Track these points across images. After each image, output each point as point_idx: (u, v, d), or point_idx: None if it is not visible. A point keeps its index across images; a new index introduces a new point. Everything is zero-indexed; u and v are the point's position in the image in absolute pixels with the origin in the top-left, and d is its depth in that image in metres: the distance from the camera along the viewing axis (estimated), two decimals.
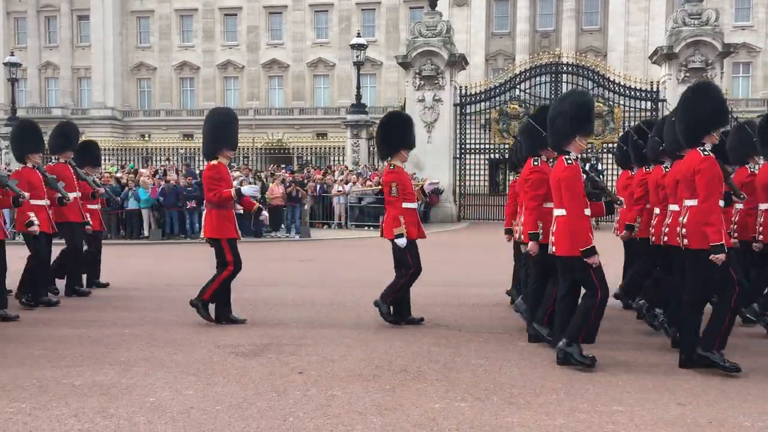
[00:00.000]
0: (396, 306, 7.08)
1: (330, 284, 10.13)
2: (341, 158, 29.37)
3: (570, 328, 5.47)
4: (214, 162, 7.04)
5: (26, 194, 7.46)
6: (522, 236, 6.68)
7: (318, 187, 21.11)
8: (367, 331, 6.77)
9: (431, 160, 22.41)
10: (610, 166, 22.46)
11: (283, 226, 18.98)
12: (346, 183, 21.05)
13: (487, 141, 23.87)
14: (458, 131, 23.25)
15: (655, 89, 22.33)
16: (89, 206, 9.23)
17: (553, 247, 5.64)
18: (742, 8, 45.28)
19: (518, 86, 23.25)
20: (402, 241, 6.84)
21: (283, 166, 25.57)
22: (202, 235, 7.30)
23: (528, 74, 23.22)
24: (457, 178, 23.42)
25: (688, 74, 20.94)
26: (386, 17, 50.64)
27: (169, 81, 54.30)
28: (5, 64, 29.52)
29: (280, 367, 5.49)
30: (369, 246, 15.48)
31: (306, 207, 18.84)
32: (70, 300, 8.81)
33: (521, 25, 46.91)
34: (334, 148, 31.99)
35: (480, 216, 23.48)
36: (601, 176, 20.50)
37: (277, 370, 5.41)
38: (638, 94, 22.50)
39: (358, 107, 25.91)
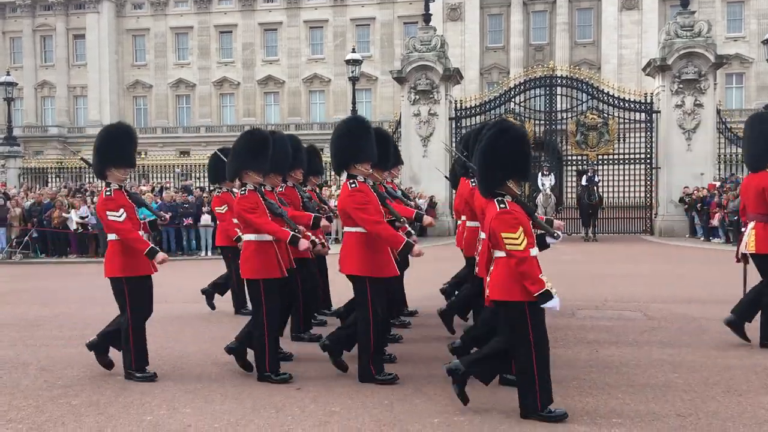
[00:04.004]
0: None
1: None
2: None
3: None
4: None
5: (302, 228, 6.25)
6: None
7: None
8: None
9: (427, 174, 22.46)
10: (605, 178, 22.54)
11: None
12: None
13: None
14: (454, 145, 23.30)
15: (649, 101, 22.42)
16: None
17: None
18: (734, 20, 45.67)
19: (513, 99, 23.33)
20: None
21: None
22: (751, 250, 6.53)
23: (522, 87, 23.32)
24: (453, 191, 23.45)
25: (681, 86, 21.05)
26: (381, 33, 50.93)
27: (165, 98, 54.45)
28: (1, 83, 29.52)
29: (278, 383, 5.47)
30: None
31: None
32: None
33: (515, 38, 47.22)
34: (330, 163, 31.85)
35: None
36: (596, 187, 20.62)
37: (275, 387, 5.38)
38: (632, 105, 22.58)
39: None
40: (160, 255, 5.58)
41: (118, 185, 5.65)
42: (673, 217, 21.41)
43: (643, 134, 22.61)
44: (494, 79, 45.15)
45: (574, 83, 23.07)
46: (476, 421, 4.54)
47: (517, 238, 4.33)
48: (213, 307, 8.89)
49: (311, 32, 52.41)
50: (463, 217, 6.82)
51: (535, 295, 4.32)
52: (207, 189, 23.35)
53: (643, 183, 22.60)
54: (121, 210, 5.51)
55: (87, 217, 18.71)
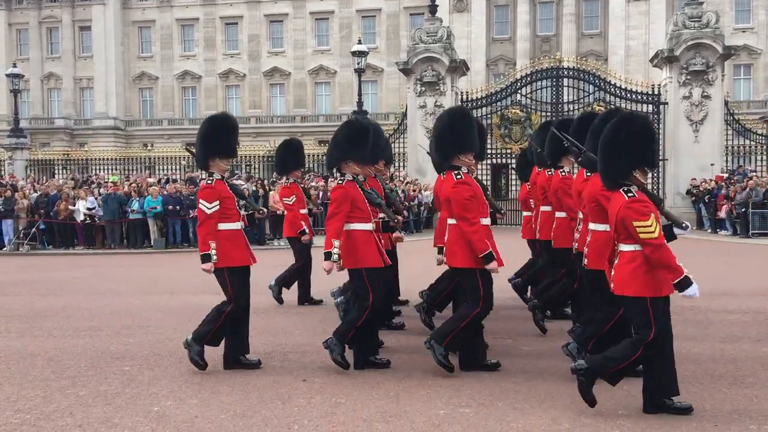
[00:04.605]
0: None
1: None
2: None
3: None
4: None
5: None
6: None
7: (321, 194, 21.14)
8: None
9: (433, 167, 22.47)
10: None
11: None
12: None
13: (489, 146, 23.86)
14: None
15: (656, 92, 22.33)
16: None
17: None
18: (742, 10, 45.29)
19: (519, 91, 23.27)
20: None
21: None
22: None
23: (529, 79, 23.25)
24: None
25: (689, 77, 20.95)
26: (387, 24, 50.75)
27: (170, 90, 54.45)
28: (8, 75, 29.60)
29: (285, 375, 5.49)
30: None
31: None
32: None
33: (522, 30, 46.98)
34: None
35: None
36: None
37: (281, 378, 5.40)
38: (640, 97, 22.49)
39: (360, 114, 25.94)
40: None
41: (221, 176, 5.65)
42: (680, 209, 21.34)
43: None
44: (501, 70, 44.95)
45: (581, 74, 22.99)
46: (482, 413, 4.55)
47: (650, 226, 4.21)
48: (312, 303, 9.02)
49: (317, 24, 52.26)
50: (544, 208, 6.84)
51: (674, 282, 4.23)
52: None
53: (649, 175, 22.52)
54: (215, 203, 5.48)
55: (94, 208, 18.77)
